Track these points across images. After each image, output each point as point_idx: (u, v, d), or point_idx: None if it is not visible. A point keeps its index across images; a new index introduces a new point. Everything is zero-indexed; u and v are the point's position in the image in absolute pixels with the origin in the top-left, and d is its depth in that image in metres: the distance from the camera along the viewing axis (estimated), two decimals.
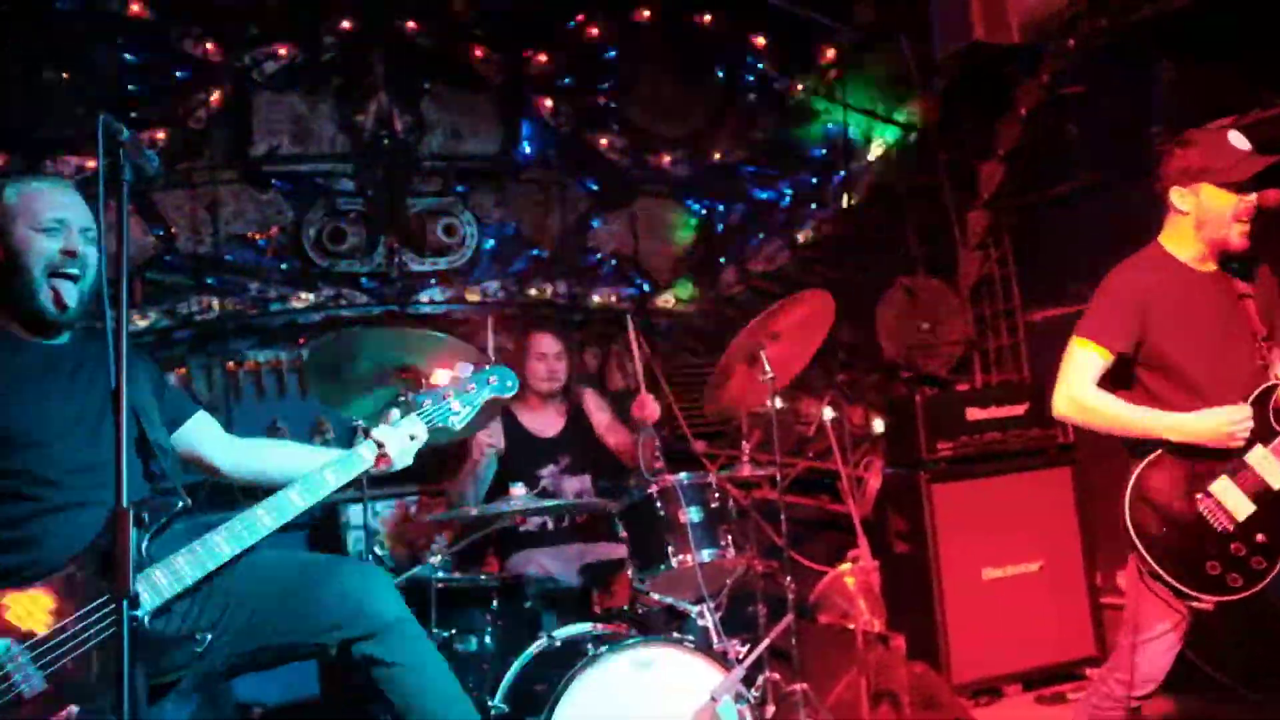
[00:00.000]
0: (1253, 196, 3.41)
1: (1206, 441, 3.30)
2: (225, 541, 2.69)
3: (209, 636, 2.67)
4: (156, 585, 2.59)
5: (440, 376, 3.23)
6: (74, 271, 2.75)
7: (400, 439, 3.03)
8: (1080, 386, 3.44)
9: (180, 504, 2.65)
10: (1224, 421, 3.30)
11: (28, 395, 2.69)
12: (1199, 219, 3.46)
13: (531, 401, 5.25)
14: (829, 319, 4.70)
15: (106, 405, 2.29)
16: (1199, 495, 3.32)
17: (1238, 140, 3.46)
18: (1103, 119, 5.99)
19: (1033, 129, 6.35)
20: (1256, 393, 3.37)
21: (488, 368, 3.26)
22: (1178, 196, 3.48)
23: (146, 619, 2.52)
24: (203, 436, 3.09)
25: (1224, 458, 3.33)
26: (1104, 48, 5.77)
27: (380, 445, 2.98)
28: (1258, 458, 3.33)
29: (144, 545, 2.59)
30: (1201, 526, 3.31)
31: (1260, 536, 3.29)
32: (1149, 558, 3.28)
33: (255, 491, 2.95)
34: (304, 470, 2.89)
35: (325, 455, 3.00)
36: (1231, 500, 3.32)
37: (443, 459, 6.01)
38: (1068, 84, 6.08)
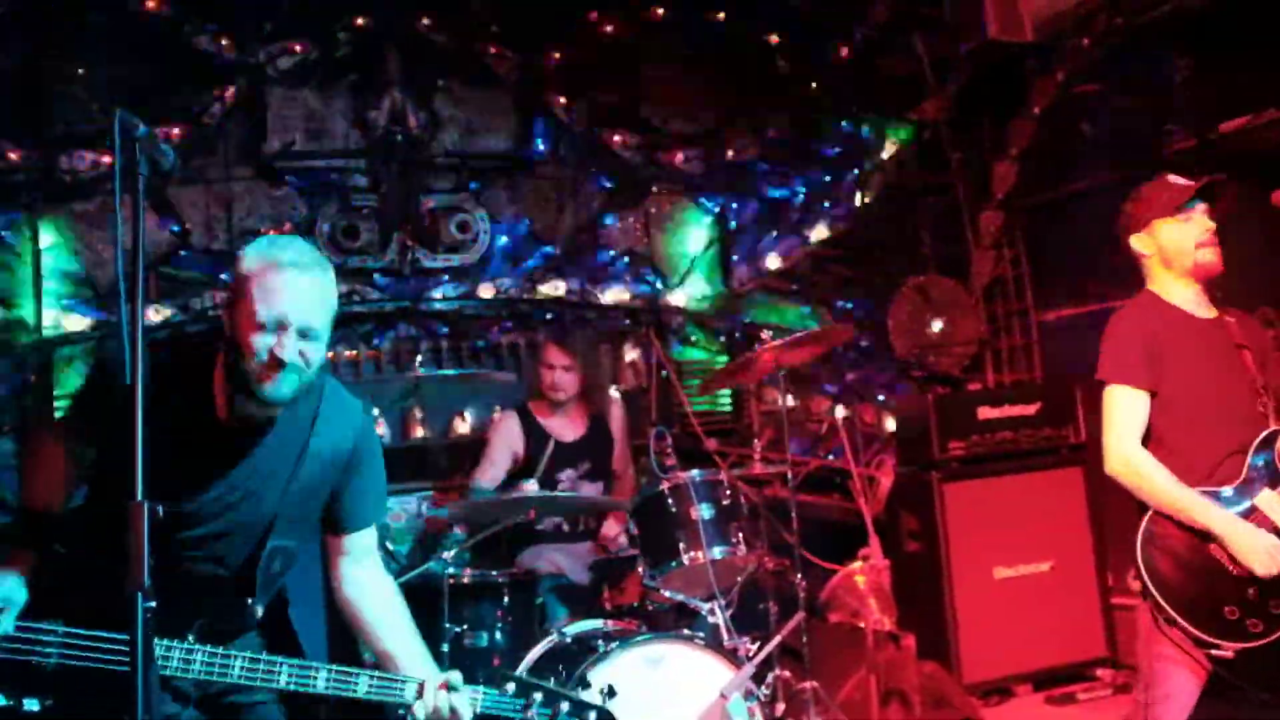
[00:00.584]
0: (1210, 224, 3.47)
1: (1247, 558, 3.21)
2: (286, 678, 2.54)
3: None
4: (192, 663, 2.47)
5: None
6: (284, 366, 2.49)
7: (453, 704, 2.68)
8: (1132, 443, 3.38)
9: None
10: (1260, 550, 3.21)
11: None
12: (1163, 257, 3.52)
13: (546, 406, 5.28)
14: (846, 336, 4.73)
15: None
16: (1211, 541, 3.26)
17: (1175, 179, 3.55)
18: (1117, 117, 5.97)
19: (1046, 128, 6.34)
20: (1263, 436, 3.36)
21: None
22: (1138, 242, 3.55)
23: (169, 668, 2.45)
24: (344, 558, 2.88)
25: (1230, 499, 3.29)
26: (1119, 46, 5.76)
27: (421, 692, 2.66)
28: (1267, 500, 3.29)
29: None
30: (1217, 571, 3.25)
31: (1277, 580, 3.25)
32: (1166, 605, 3.22)
33: None
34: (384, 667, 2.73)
35: (414, 665, 2.76)
36: None
37: (456, 455, 6.04)
38: (1082, 83, 6.07)
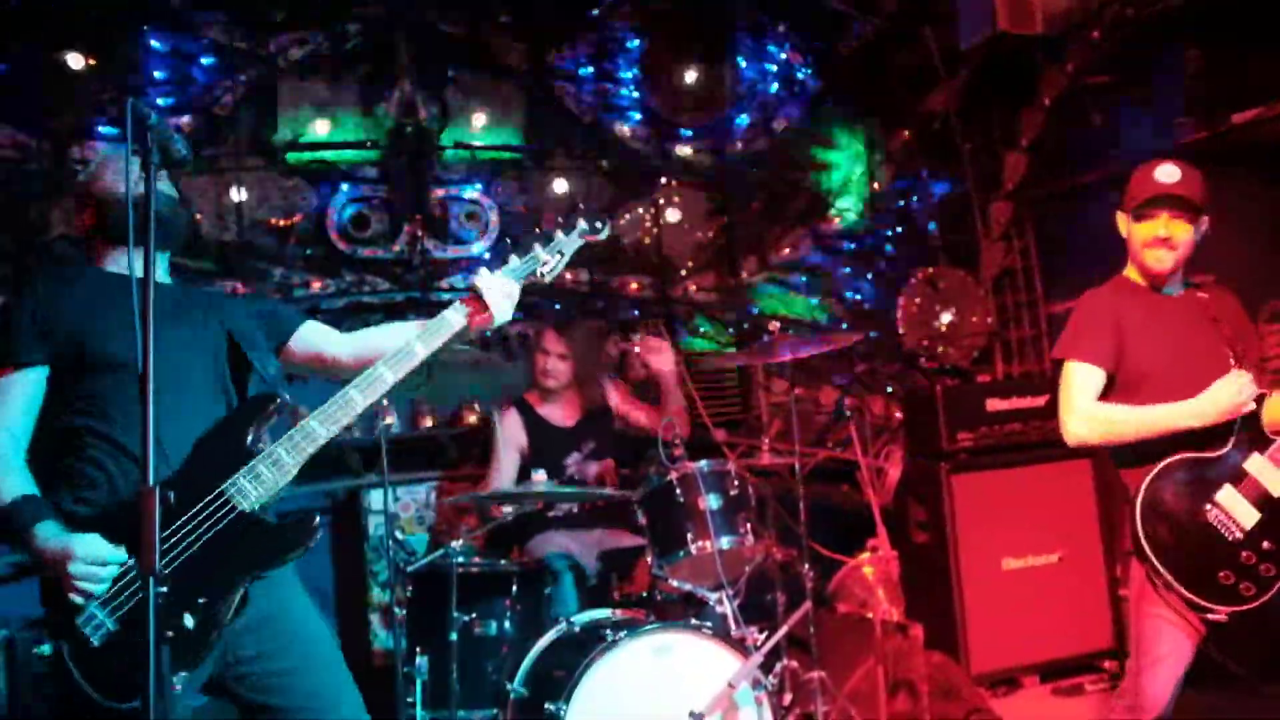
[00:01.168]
0: (1160, 233, 3.51)
1: (1226, 413, 3.32)
2: (320, 425, 2.81)
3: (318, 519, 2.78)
4: (261, 477, 2.70)
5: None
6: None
7: (501, 285, 3.03)
8: (1088, 403, 3.48)
9: (282, 397, 2.86)
10: (1232, 391, 3.33)
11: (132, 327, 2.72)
12: (1129, 244, 3.63)
13: (541, 394, 5.28)
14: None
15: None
16: (1206, 506, 3.33)
17: (1160, 173, 3.54)
18: (1128, 109, 5.96)
19: (1057, 119, 6.33)
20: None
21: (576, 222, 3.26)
22: (1120, 222, 3.65)
23: (258, 511, 2.69)
24: (319, 339, 3.14)
25: (1221, 464, 3.35)
26: (1129, 37, 5.74)
27: (477, 299, 2.99)
28: (1257, 466, 3.34)
29: (252, 437, 2.78)
30: (1212, 536, 3.31)
31: (1267, 544, 3.30)
32: (1164, 570, 3.28)
33: None
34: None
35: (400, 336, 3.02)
36: (1238, 509, 3.33)
37: (465, 445, 6.06)
38: (1092, 74, 6.05)
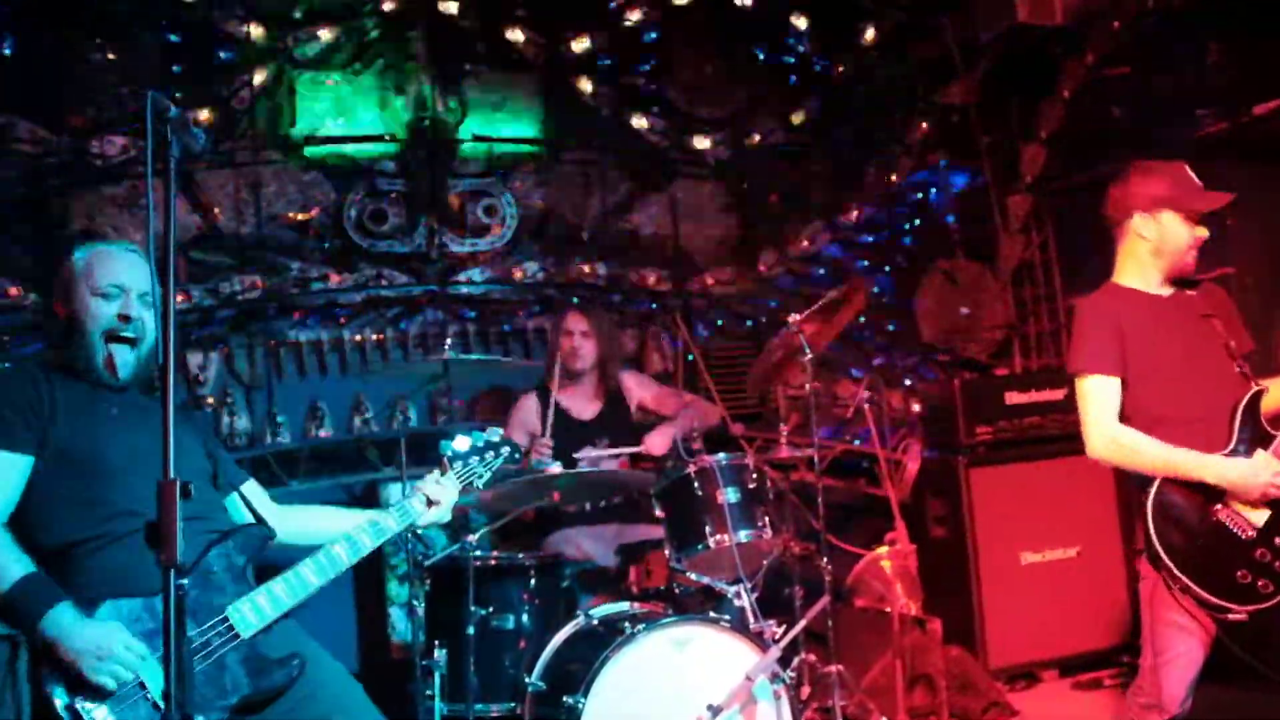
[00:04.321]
0: (1205, 232, 3.51)
1: (1245, 494, 3.29)
2: (313, 574, 2.85)
3: (300, 661, 2.78)
4: (260, 608, 2.74)
5: (461, 443, 3.45)
6: (129, 335, 2.83)
7: (450, 493, 3.29)
8: (1112, 423, 3.45)
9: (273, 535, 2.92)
10: (1266, 477, 3.28)
11: (111, 429, 2.81)
12: (1158, 246, 3.54)
13: (564, 381, 5.25)
14: (865, 304, 4.74)
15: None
16: (1217, 506, 3.31)
17: (1193, 176, 3.55)
18: (1147, 101, 5.93)
19: (1076, 111, 6.30)
20: (1245, 400, 3.39)
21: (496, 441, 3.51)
22: (1141, 222, 3.55)
23: (251, 636, 2.72)
24: (254, 503, 3.12)
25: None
26: (1150, 28, 5.71)
27: (431, 501, 3.23)
28: (1261, 462, 3.32)
29: (246, 568, 2.82)
30: (1225, 536, 3.30)
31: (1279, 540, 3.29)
32: (1179, 573, 3.26)
33: None
34: (343, 530, 3.01)
35: (361, 518, 3.11)
36: (1248, 508, 3.31)
37: None
38: (1112, 65, 6.02)
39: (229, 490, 3.09)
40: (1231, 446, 3.35)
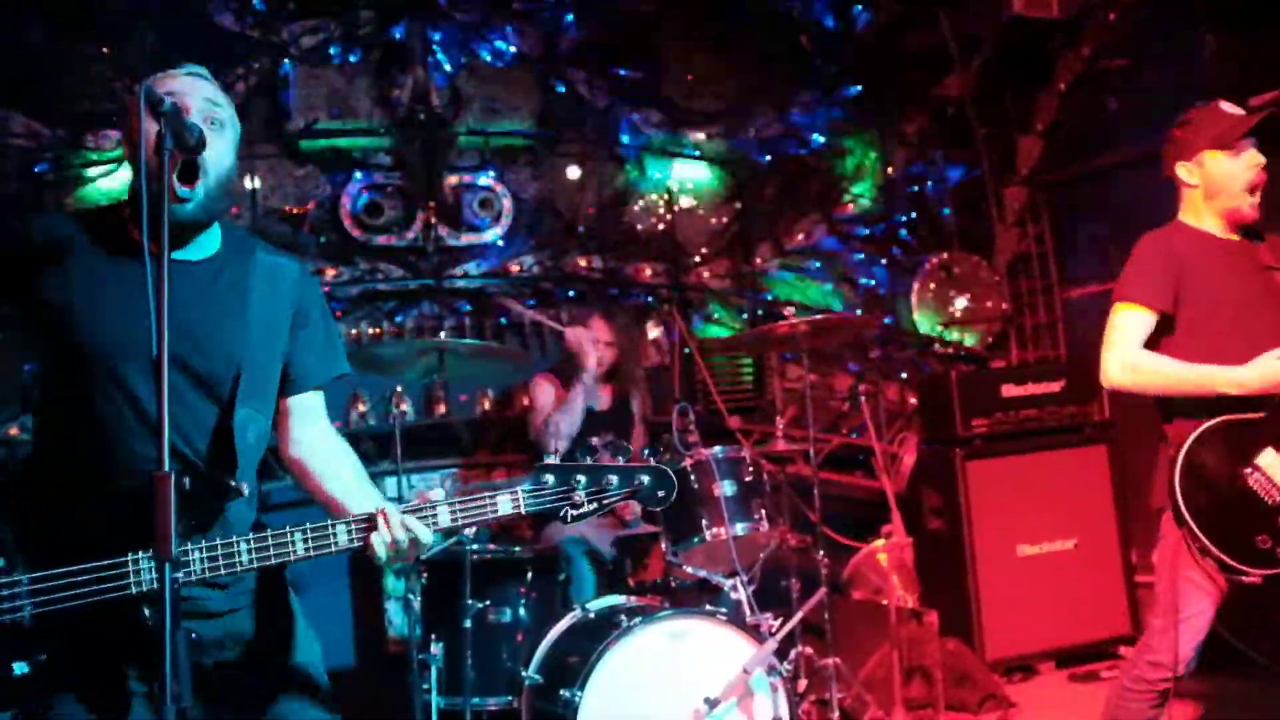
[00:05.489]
0: (1260, 161, 3.46)
1: (1271, 389, 3.28)
2: (303, 544, 2.32)
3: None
4: (209, 558, 2.25)
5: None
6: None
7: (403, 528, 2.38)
8: (1130, 349, 3.42)
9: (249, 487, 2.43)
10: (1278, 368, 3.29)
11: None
12: (1208, 189, 3.52)
13: (582, 378, 5.27)
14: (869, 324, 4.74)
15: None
16: (1247, 469, 3.30)
17: (1229, 107, 3.54)
18: (1143, 92, 5.92)
19: (1072, 103, 6.30)
20: None
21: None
22: (1185, 171, 3.54)
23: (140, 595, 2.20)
24: (295, 411, 2.68)
25: (1263, 427, 3.31)
26: (1145, 20, 5.71)
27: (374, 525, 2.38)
28: None
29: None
30: (1250, 500, 3.28)
31: None
32: (1201, 534, 3.25)
33: None
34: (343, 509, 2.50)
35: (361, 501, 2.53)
36: (1279, 472, 3.30)
37: (480, 432, 6.07)
38: (1108, 57, 6.02)
39: (285, 393, 2.64)
40: (1270, 412, 3.32)
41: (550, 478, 2.45)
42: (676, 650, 3.90)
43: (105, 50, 5.63)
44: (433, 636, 4.27)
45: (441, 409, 6.11)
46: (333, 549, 2.36)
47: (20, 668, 2.20)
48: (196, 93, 2.39)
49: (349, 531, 2.37)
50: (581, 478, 2.46)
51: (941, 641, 4.97)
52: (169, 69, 2.44)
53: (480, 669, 4.22)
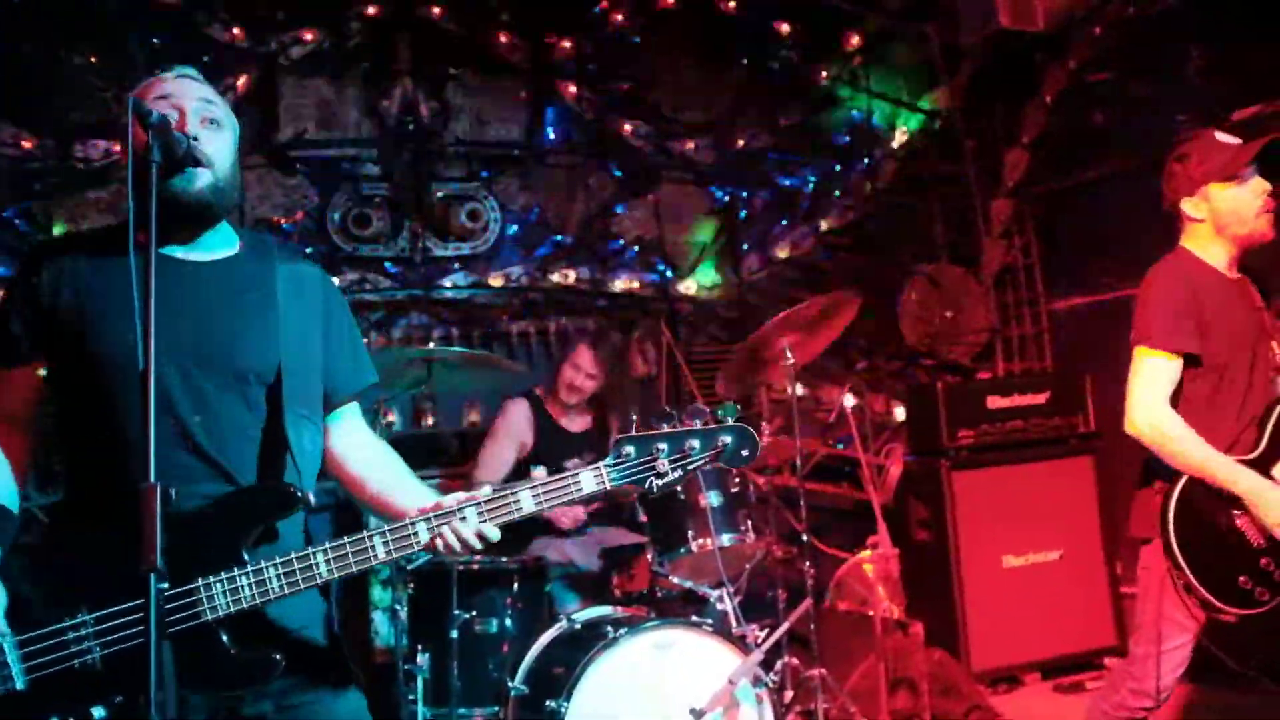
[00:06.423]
0: (1267, 186, 3.41)
1: (1263, 516, 3.23)
2: (325, 565, 2.21)
3: (282, 661, 2.19)
4: (239, 594, 2.16)
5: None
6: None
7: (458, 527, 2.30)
8: (1161, 407, 3.32)
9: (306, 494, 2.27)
10: None
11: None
12: (1217, 222, 3.45)
13: (556, 402, 5.28)
14: (852, 313, 4.72)
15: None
16: (1237, 511, 3.28)
17: (1225, 137, 3.48)
18: (1129, 106, 5.96)
19: (1058, 116, 6.33)
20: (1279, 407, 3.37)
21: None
22: (1190, 206, 3.47)
23: (215, 621, 2.15)
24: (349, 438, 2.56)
25: (1255, 469, 3.29)
26: (1131, 34, 5.74)
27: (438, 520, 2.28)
28: None
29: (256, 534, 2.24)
30: (1238, 540, 3.28)
31: None
32: (1187, 569, 3.25)
33: None
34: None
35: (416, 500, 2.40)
36: None
37: (467, 443, 6.06)
38: (1094, 71, 6.05)
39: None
40: (1260, 451, 3.32)
41: (631, 449, 2.37)
42: (662, 661, 3.90)
43: (94, 60, 5.63)
44: (419, 647, 4.27)
45: (429, 420, 6.12)
46: (415, 547, 2.26)
47: (99, 712, 2.11)
48: (191, 94, 2.36)
49: (430, 528, 2.26)
50: (664, 445, 2.38)
51: (927, 652, 4.98)
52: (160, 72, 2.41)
53: (466, 679, 4.22)
